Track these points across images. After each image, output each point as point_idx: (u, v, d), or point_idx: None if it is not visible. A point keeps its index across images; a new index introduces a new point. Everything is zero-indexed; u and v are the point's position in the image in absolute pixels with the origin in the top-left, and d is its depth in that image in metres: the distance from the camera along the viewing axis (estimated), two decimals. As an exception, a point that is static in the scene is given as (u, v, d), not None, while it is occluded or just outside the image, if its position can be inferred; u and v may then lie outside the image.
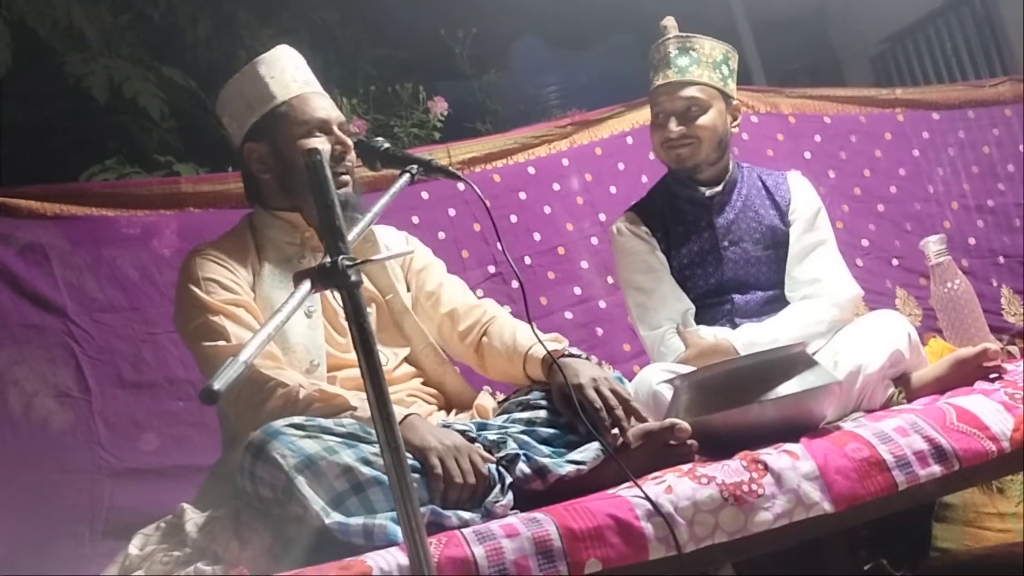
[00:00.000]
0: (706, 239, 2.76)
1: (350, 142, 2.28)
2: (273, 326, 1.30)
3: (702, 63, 2.73)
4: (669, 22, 2.86)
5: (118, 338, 2.87)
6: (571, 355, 2.19)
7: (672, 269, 2.76)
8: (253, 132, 2.29)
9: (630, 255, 2.80)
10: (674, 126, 2.71)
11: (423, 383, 2.35)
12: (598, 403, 2.05)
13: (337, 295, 2.11)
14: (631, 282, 2.80)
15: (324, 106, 2.30)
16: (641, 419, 2.09)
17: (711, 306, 2.73)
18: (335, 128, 2.28)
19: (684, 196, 2.80)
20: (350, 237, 1.45)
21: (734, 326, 2.67)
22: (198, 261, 2.21)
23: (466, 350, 2.40)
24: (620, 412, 2.05)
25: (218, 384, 1.14)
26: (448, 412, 2.31)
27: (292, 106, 2.26)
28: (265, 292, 2.22)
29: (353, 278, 1.38)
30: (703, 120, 2.71)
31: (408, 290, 2.43)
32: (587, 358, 2.21)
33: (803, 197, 2.81)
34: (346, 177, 2.27)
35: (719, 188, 2.77)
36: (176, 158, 3.98)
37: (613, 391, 2.08)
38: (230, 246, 2.28)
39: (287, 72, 2.30)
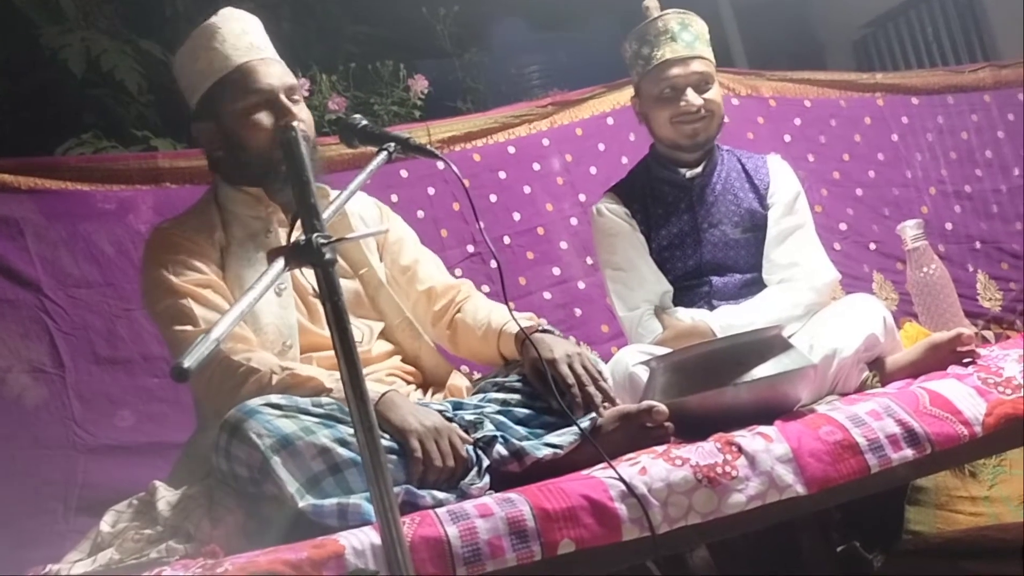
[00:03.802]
0: (686, 221, 2.76)
1: (294, 109, 2.19)
2: (246, 303, 1.29)
3: (700, 39, 2.73)
4: (651, 2, 2.85)
5: (93, 314, 2.86)
6: (545, 331, 2.19)
7: (651, 250, 2.76)
8: (199, 110, 2.24)
9: (610, 236, 2.79)
10: (694, 98, 2.67)
11: (401, 360, 2.33)
12: (571, 379, 2.05)
13: (307, 272, 2.10)
14: (610, 262, 2.80)
15: (267, 74, 2.19)
16: (611, 399, 2.09)
17: (689, 288, 2.74)
18: (281, 95, 2.18)
19: (664, 178, 2.80)
20: (325, 216, 1.44)
21: (712, 308, 2.68)
22: (163, 240, 2.18)
23: (439, 329, 2.39)
24: (592, 388, 2.06)
25: (188, 362, 1.13)
26: (425, 391, 2.30)
27: (232, 79, 2.18)
28: (233, 269, 2.18)
29: (328, 256, 1.37)
30: (712, 94, 2.72)
31: (380, 261, 2.40)
32: (562, 336, 2.21)
33: (782, 181, 2.81)
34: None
35: (699, 170, 2.77)
36: (153, 133, 3.94)
37: (586, 367, 2.08)
38: (196, 223, 2.23)
39: (228, 40, 2.20)
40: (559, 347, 2.11)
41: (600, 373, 2.12)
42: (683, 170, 2.78)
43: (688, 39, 2.70)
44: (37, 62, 4.03)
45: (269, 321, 2.14)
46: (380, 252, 2.41)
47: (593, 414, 2.06)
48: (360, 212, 2.39)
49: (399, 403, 1.95)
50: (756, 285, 2.75)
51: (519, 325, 2.14)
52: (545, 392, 2.07)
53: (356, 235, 1.84)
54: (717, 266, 2.75)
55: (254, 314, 2.12)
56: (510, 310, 2.14)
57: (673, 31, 2.70)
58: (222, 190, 2.28)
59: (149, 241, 2.22)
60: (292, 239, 1.39)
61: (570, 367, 2.07)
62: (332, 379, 1.97)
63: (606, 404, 2.08)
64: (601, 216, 2.82)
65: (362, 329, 2.28)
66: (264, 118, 2.16)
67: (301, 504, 1.72)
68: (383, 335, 2.33)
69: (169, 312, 2.09)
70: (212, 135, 2.23)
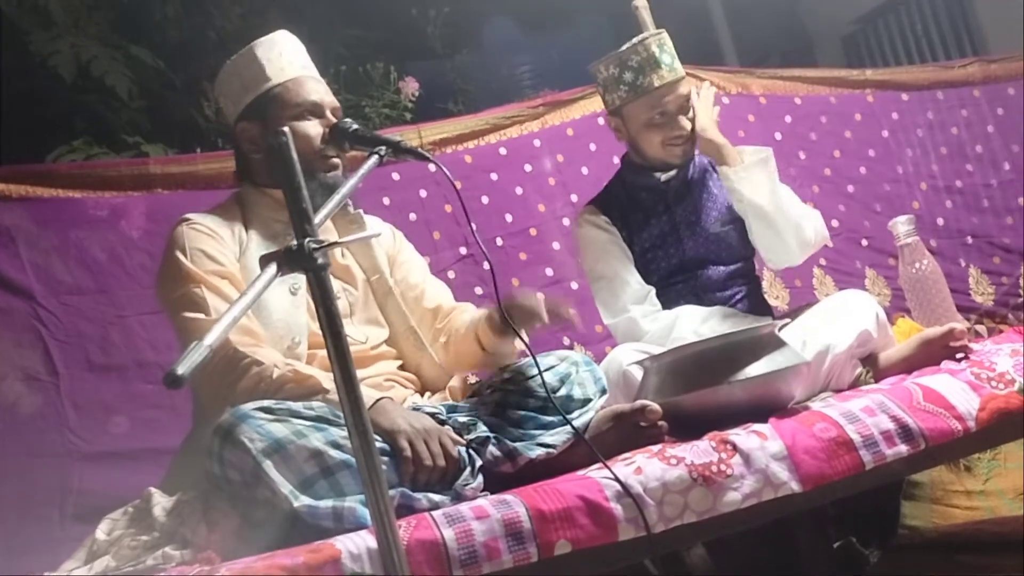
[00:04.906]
0: (665, 222, 2.82)
1: (349, 122, 2.28)
2: (239, 309, 1.29)
3: (674, 56, 2.77)
4: (640, 2, 2.88)
5: (86, 321, 2.86)
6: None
7: (635, 254, 2.81)
8: (247, 112, 2.31)
9: (592, 244, 2.85)
10: (686, 123, 2.76)
11: (400, 367, 2.35)
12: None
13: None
14: (593, 271, 2.85)
15: (318, 90, 2.32)
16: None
17: (675, 284, 2.79)
18: (328, 112, 2.29)
19: (640, 184, 2.86)
20: (317, 220, 1.44)
21: (700, 301, 2.73)
22: (186, 230, 2.21)
23: (437, 346, 2.41)
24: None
25: (182, 369, 1.14)
26: (423, 396, 2.31)
27: (286, 88, 2.28)
28: (250, 266, 2.21)
29: (319, 261, 1.37)
30: (692, 112, 2.80)
31: (391, 276, 2.44)
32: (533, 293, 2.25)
33: None
34: (336, 160, 2.28)
35: (673, 173, 2.83)
36: (144, 139, 3.94)
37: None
38: (219, 218, 2.28)
39: (284, 55, 2.32)
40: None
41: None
42: (658, 174, 2.83)
43: (668, 61, 2.75)
44: (27, 69, 4.02)
45: (280, 318, 2.18)
46: (391, 268, 2.45)
47: (589, 414, 2.06)
48: (373, 230, 2.43)
49: (389, 408, 1.96)
50: (740, 276, 2.82)
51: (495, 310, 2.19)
52: (505, 328, 2.14)
53: (348, 239, 1.84)
54: (700, 261, 2.80)
55: (267, 309, 2.17)
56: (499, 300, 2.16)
57: (655, 56, 2.74)
58: (247, 192, 2.35)
59: (172, 230, 2.25)
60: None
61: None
62: (330, 380, 1.96)
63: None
64: (582, 227, 2.89)
65: (367, 332, 2.31)
66: (310, 127, 2.26)
67: (296, 504, 1.73)
68: (387, 342, 2.36)
69: (183, 299, 2.12)
70: (256, 136, 2.30)
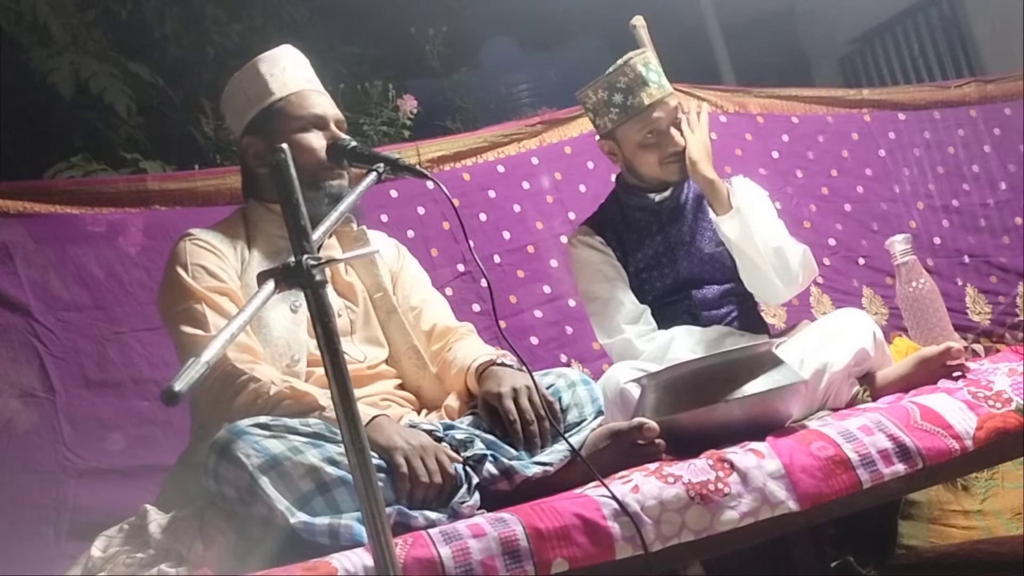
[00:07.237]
0: (659, 242, 2.82)
1: (343, 137, 2.29)
2: (237, 325, 1.29)
3: (659, 72, 2.78)
4: (638, 21, 2.88)
5: (83, 337, 2.84)
6: (504, 364, 2.19)
7: (630, 274, 2.82)
8: (251, 127, 2.32)
9: (585, 266, 2.85)
10: (680, 138, 2.75)
11: (399, 386, 2.34)
12: (513, 414, 2.04)
13: (329, 292, 2.12)
14: (588, 292, 2.85)
15: (321, 103, 2.32)
16: (545, 439, 2.07)
17: (670, 304, 2.79)
18: (331, 124, 2.30)
19: (635, 204, 2.86)
20: (315, 236, 1.44)
21: (695, 319, 2.73)
22: (188, 246, 2.22)
23: (434, 369, 2.40)
24: (535, 428, 2.05)
25: (179, 385, 1.14)
26: (419, 414, 2.30)
27: (289, 102, 2.30)
28: (251, 283, 2.21)
29: (317, 278, 1.37)
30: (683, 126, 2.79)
31: (393, 294, 2.43)
32: (522, 368, 2.18)
33: (746, 193, 2.84)
34: (340, 171, 2.28)
35: (667, 193, 2.84)
36: (143, 155, 3.95)
37: (532, 401, 2.07)
38: (222, 234, 2.29)
39: (287, 70, 2.34)
40: (507, 380, 2.11)
41: (549, 406, 2.10)
42: (652, 195, 2.83)
43: (655, 79, 2.76)
44: (26, 85, 4.03)
45: (280, 335, 2.18)
46: (393, 286, 2.44)
47: (585, 432, 2.06)
48: (378, 247, 2.43)
49: (386, 425, 1.96)
50: (735, 295, 2.81)
51: (471, 360, 2.18)
52: (492, 425, 2.08)
53: (346, 256, 1.84)
54: (695, 280, 2.80)
55: (267, 326, 2.17)
56: (504, 336, 2.14)
57: (643, 75, 2.74)
58: (252, 208, 2.36)
59: (175, 245, 2.26)
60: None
61: (515, 400, 2.06)
62: (327, 397, 1.97)
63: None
64: (575, 248, 2.89)
65: (366, 351, 2.30)
66: (313, 139, 2.27)
67: (292, 521, 1.72)
68: (387, 361, 2.35)
69: (183, 315, 2.14)
70: (260, 151, 2.31)
